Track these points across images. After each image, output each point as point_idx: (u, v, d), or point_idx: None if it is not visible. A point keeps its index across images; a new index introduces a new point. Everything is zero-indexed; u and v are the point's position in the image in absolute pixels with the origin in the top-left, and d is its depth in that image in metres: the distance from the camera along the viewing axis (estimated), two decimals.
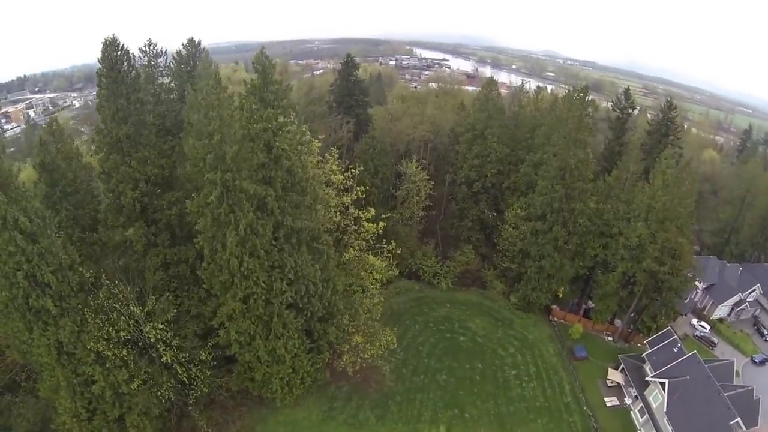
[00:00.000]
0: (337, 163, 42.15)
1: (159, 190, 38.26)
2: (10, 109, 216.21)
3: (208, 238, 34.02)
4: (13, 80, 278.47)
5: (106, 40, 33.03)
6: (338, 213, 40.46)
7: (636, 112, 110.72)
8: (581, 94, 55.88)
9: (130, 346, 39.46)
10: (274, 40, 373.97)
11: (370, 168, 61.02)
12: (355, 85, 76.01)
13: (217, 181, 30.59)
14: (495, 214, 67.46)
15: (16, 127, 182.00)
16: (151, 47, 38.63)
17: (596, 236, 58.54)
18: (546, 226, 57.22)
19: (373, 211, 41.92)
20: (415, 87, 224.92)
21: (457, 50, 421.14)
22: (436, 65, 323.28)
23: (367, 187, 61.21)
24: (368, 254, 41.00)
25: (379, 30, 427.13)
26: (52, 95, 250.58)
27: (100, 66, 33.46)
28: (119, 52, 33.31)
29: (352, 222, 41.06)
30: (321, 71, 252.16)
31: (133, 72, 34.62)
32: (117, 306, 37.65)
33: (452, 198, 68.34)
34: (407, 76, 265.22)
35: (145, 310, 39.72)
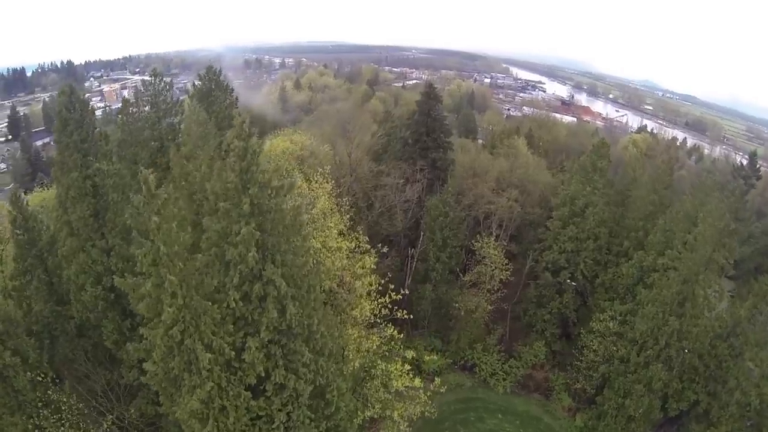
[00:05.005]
0: (373, 277, 27.93)
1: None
2: (106, 88, 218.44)
3: (161, 387, 21.52)
4: (118, 59, 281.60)
5: (62, 90, 21.30)
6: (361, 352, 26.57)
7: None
8: (734, 193, 37.97)
9: None
10: (371, 44, 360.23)
11: (437, 240, 46.52)
12: (436, 121, 60.70)
13: (156, 339, 17.82)
14: (581, 304, 50.75)
15: (107, 106, 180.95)
16: (156, 79, 26.36)
17: (703, 377, 40.63)
18: (641, 358, 39.70)
19: (411, 356, 27.42)
20: (508, 110, 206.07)
21: (553, 72, 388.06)
22: (530, 87, 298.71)
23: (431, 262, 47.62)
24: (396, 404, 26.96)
25: (476, 44, 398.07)
26: (146, 78, 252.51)
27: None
28: (76, 107, 21.26)
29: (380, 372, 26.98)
30: (414, 81, 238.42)
31: (95, 132, 22.58)
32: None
33: (532, 279, 52.07)
34: (501, 96, 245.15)
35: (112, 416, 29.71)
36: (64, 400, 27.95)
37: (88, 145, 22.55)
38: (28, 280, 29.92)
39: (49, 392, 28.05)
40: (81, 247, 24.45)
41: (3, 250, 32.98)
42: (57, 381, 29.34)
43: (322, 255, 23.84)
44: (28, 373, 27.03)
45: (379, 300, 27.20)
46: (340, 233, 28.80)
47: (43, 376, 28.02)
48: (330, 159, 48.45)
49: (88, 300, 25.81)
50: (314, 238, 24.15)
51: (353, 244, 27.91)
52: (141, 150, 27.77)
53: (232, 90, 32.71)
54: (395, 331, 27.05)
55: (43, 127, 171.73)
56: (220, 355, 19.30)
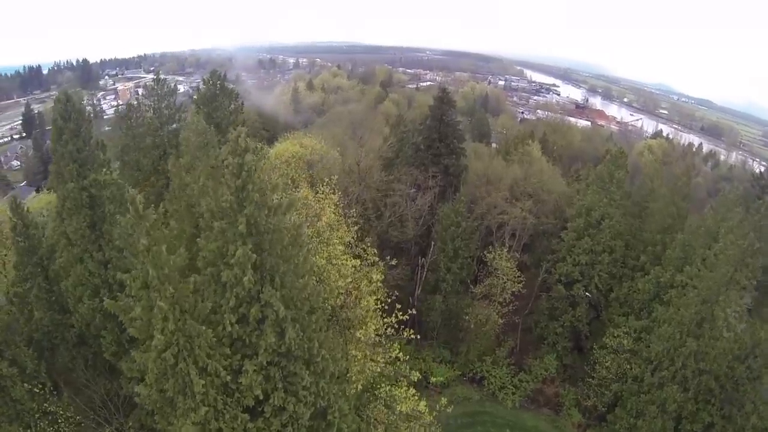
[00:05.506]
0: (380, 293, 26.69)
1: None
2: (120, 86, 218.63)
3: (156, 407, 20.57)
4: (133, 57, 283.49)
5: (57, 98, 20.42)
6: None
7: None
8: (759, 210, 36.21)
9: None
10: (386, 45, 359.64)
11: (448, 250, 45.28)
12: (449, 127, 59.34)
13: (148, 362, 16.88)
14: (594, 318, 49.12)
15: (121, 105, 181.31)
16: (160, 84, 25.44)
17: (719, 399, 38.82)
18: (656, 379, 38.07)
19: (417, 377, 26.12)
20: (522, 113, 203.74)
21: (567, 75, 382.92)
22: (545, 90, 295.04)
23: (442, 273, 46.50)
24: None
25: (490, 46, 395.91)
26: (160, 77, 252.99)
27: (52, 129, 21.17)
28: (72, 116, 20.31)
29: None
30: (428, 83, 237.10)
31: (91, 141, 21.67)
32: None
33: (544, 291, 50.56)
34: (515, 99, 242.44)
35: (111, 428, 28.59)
36: (61, 412, 27.33)
37: (84, 155, 21.67)
38: (29, 287, 29.29)
39: (46, 404, 27.58)
40: (78, 258, 23.66)
41: (6, 255, 32.24)
42: (55, 392, 28.79)
43: (326, 272, 22.67)
44: (26, 384, 26.61)
45: (385, 320, 25.98)
46: (347, 245, 27.63)
47: (41, 386, 27.46)
48: (339, 166, 47.32)
49: (85, 312, 24.92)
50: (318, 254, 23.04)
51: (358, 262, 26.66)
52: (143, 157, 26.88)
53: (238, 95, 31.58)
54: (400, 353, 25.79)
55: None
56: (216, 378, 18.26)
